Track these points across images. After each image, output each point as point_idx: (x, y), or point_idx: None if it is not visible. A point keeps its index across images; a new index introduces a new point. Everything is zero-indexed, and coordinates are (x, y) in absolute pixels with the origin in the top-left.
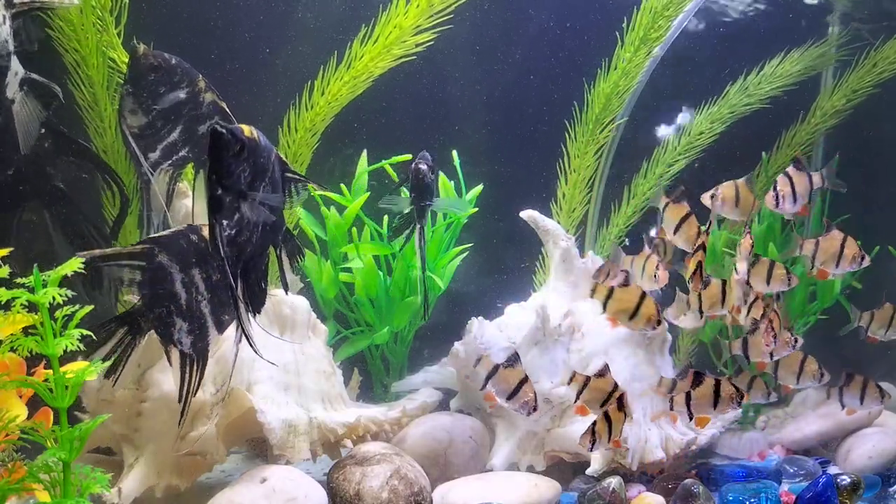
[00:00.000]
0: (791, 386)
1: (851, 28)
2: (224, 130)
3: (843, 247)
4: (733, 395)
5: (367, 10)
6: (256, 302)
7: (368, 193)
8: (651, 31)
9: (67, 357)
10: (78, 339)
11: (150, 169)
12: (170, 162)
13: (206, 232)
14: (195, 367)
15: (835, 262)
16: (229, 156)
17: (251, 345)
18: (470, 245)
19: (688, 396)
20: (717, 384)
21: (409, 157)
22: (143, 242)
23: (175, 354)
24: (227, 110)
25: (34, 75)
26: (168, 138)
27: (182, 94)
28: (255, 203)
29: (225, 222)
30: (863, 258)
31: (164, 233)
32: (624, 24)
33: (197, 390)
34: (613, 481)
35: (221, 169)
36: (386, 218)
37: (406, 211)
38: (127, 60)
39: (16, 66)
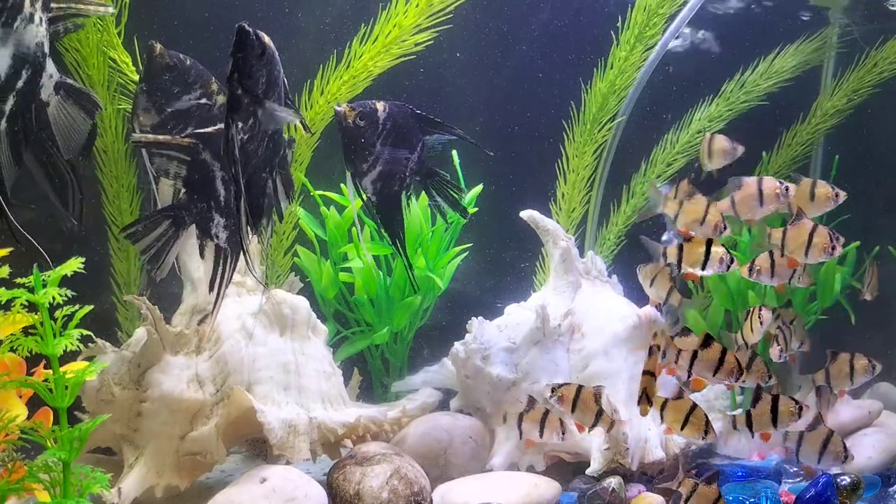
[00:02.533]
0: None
1: (844, 27)
2: (250, 29)
3: (811, 236)
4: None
5: (366, 9)
6: (255, 217)
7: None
8: (646, 28)
9: (67, 357)
10: (77, 340)
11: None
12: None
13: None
14: (229, 261)
15: (804, 251)
16: (252, 56)
17: (245, 253)
18: (470, 245)
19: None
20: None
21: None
22: (189, 136)
23: (210, 248)
24: None
25: (71, 81)
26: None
27: (195, 95)
28: (268, 112)
29: (240, 124)
30: (833, 248)
31: (209, 129)
32: (619, 24)
33: (229, 284)
34: (613, 481)
35: (244, 68)
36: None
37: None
38: (141, 59)
39: (51, 69)
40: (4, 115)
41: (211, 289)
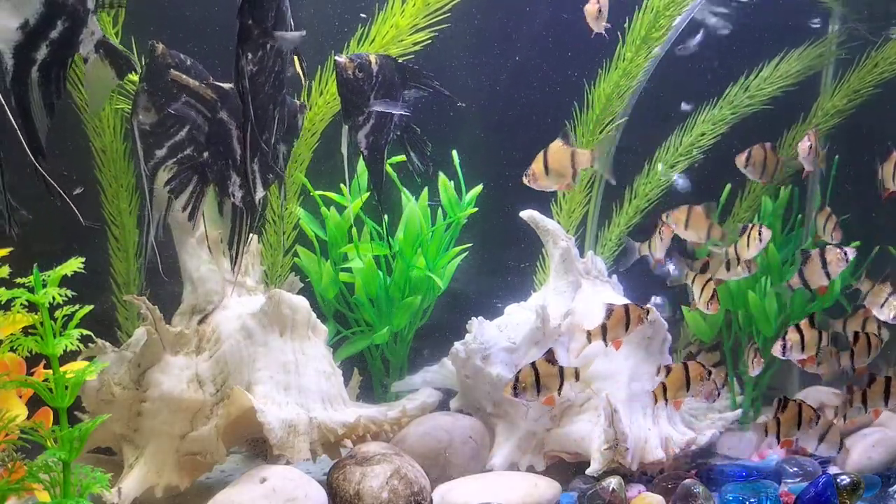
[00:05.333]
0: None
1: (849, 28)
2: None
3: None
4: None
5: (364, 9)
6: (255, 150)
7: (368, 193)
8: (653, 30)
9: (67, 357)
10: (77, 340)
11: (153, 167)
12: (174, 160)
13: None
14: (244, 219)
15: None
16: None
17: (251, 190)
18: (470, 245)
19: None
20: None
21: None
22: (210, 87)
23: (228, 206)
24: None
25: (112, 41)
26: (175, 137)
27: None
28: (278, 43)
29: (249, 55)
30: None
31: (227, 86)
32: (626, 24)
33: (247, 242)
34: (613, 481)
35: (255, 1)
36: (386, 218)
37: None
38: (139, 59)
39: (93, 26)
40: (36, 64)
41: (230, 246)
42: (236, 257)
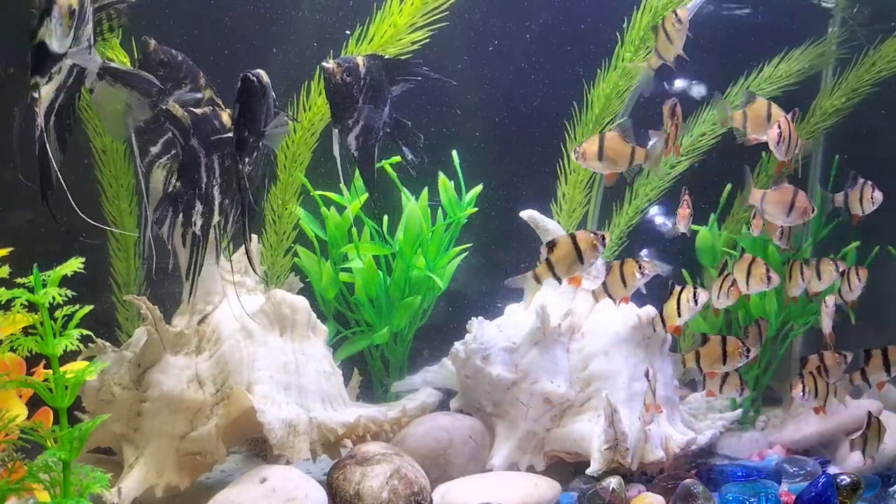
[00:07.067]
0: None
1: (849, 28)
2: (255, 78)
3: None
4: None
5: (362, 8)
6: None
7: (367, 194)
8: (651, 31)
9: (67, 357)
10: (77, 340)
11: (148, 164)
12: (168, 156)
13: (224, 118)
14: (200, 247)
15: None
16: (256, 100)
17: (248, 253)
18: (470, 245)
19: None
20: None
21: (398, 158)
22: (184, 108)
23: (189, 235)
24: (223, 108)
25: (117, 65)
26: (169, 133)
27: (185, 91)
28: (267, 140)
29: (247, 159)
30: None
31: (199, 112)
32: (624, 24)
33: (200, 270)
34: (613, 481)
35: (250, 114)
36: (386, 218)
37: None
38: (139, 56)
39: (94, 57)
40: (55, 111)
41: (186, 277)
42: (192, 286)
